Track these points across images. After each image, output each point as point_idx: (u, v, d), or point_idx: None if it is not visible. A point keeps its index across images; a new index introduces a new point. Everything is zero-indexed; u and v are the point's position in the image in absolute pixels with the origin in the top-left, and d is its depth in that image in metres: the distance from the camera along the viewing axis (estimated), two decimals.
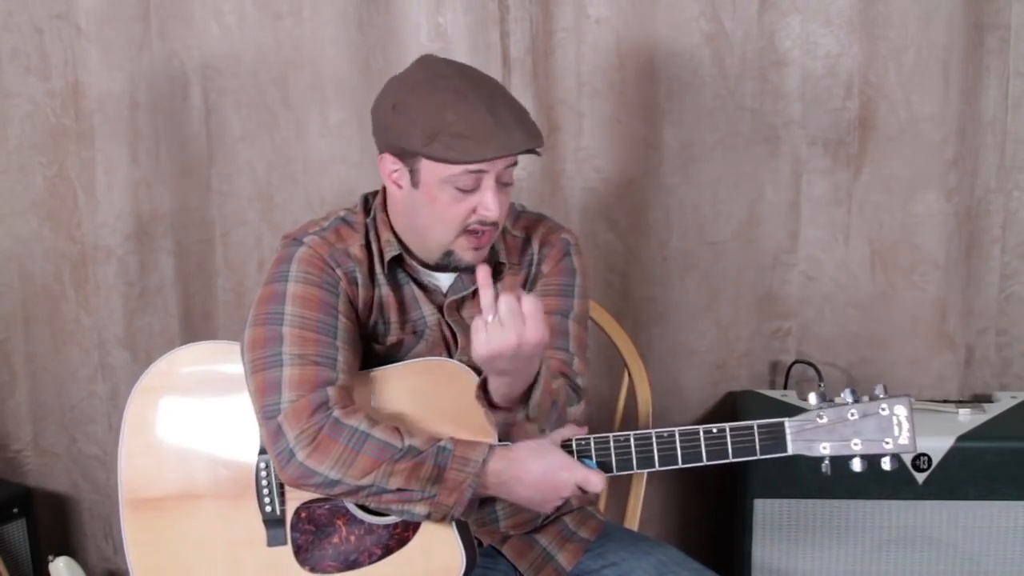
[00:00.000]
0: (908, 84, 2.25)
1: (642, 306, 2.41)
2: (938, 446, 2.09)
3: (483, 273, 1.45)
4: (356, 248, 1.64)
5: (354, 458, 1.49)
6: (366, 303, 1.63)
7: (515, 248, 1.72)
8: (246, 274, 2.44)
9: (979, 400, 2.32)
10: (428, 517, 1.55)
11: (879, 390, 1.56)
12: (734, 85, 2.30)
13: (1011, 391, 2.38)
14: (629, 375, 2.01)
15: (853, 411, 1.54)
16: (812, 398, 1.56)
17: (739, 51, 2.28)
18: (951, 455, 2.09)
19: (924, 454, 2.09)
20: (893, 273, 2.35)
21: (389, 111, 1.56)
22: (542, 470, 1.51)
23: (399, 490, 1.50)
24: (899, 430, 1.54)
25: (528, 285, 1.72)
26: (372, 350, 1.66)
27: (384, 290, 1.64)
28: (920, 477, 2.10)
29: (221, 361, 1.68)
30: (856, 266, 2.37)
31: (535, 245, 1.73)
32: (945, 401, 2.29)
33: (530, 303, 1.41)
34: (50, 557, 2.17)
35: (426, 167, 1.54)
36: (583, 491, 1.52)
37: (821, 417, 1.54)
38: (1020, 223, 2.37)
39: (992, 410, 2.23)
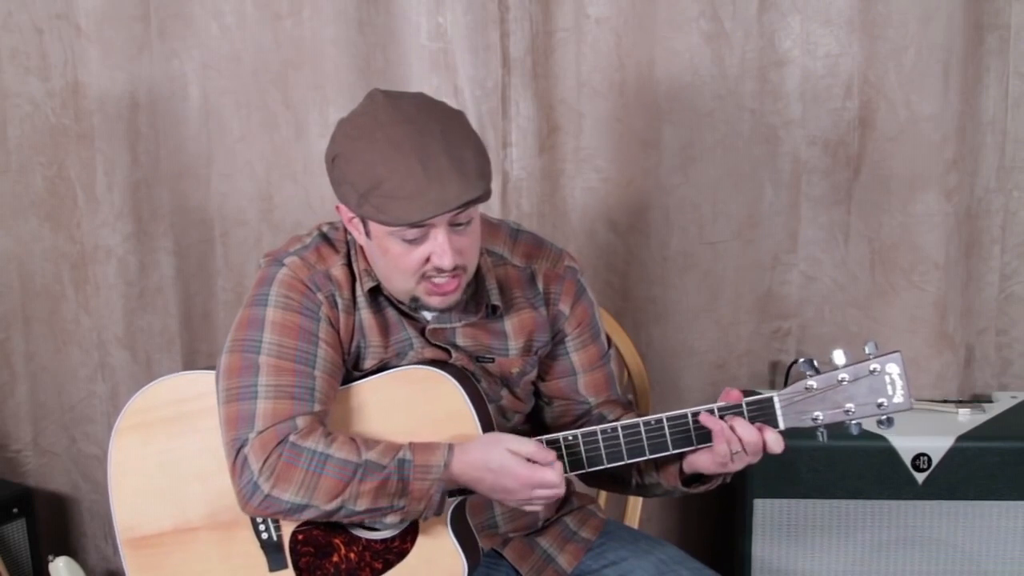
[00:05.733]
0: (908, 84, 2.25)
1: (642, 306, 2.41)
2: (938, 446, 2.09)
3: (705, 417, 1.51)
4: (337, 269, 1.59)
5: (317, 481, 1.48)
6: (348, 326, 1.59)
7: (520, 281, 1.66)
8: (246, 274, 2.43)
9: (979, 400, 2.32)
10: (401, 522, 1.54)
11: (869, 348, 1.50)
12: (734, 85, 2.30)
13: (1011, 391, 2.38)
14: (629, 375, 2.01)
15: (844, 375, 1.49)
16: (801, 365, 1.51)
17: (739, 51, 2.28)
18: (951, 455, 2.09)
19: (924, 454, 2.09)
20: (893, 273, 2.35)
21: (331, 164, 1.51)
22: (492, 477, 1.50)
23: (368, 510, 1.50)
24: (893, 388, 1.49)
25: (553, 324, 1.68)
26: (354, 374, 1.62)
27: (365, 313, 1.60)
28: (920, 477, 2.10)
29: (195, 392, 1.64)
30: (856, 266, 2.37)
31: (541, 282, 1.66)
32: (945, 401, 2.29)
33: (776, 442, 1.50)
34: (50, 557, 2.17)
35: (371, 221, 1.50)
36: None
37: (811, 386, 1.50)
38: (1020, 223, 2.37)
39: (992, 410, 2.23)
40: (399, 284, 1.55)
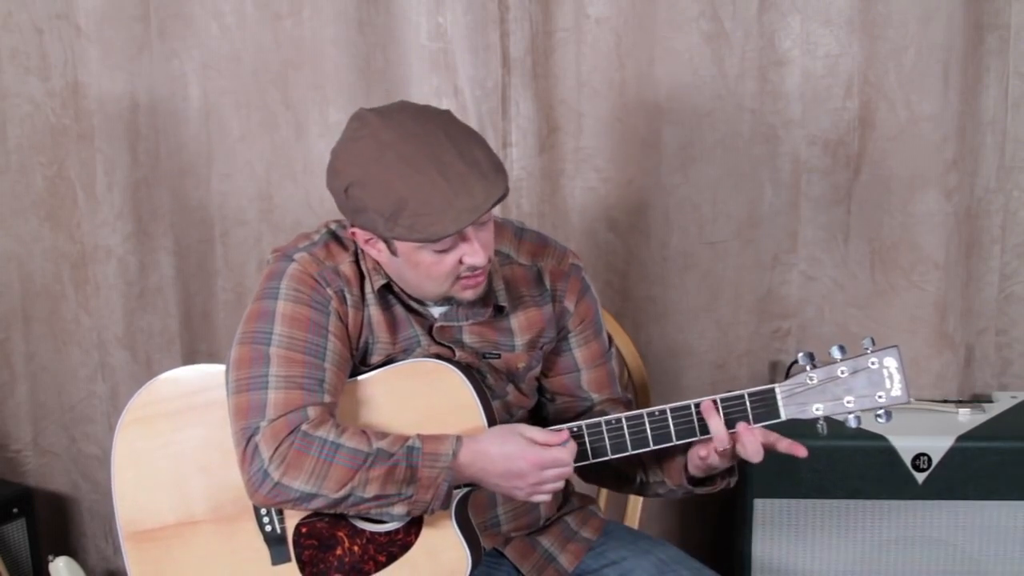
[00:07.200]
0: (908, 84, 2.25)
1: (642, 306, 2.41)
2: (938, 446, 2.09)
3: (708, 407, 1.52)
4: (346, 266, 1.60)
5: (327, 469, 1.48)
6: (356, 322, 1.60)
7: (526, 280, 1.67)
8: (246, 274, 2.44)
9: (979, 400, 2.32)
10: (408, 514, 1.54)
11: (867, 343, 1.53)
12: (734, 85, 2.30)
13: (1011, 391, 2.38)
14: (629, 375, 2.01)
15: (843, 368, 1.53)
16: (800, 358, 1.54)
17: (739, 51, 2.28)
18: (951, 455, 2.09)
19: (924, 454, 2.09)
20: (893, 273, 2.35)
21: (343, 195, 1.50)
22: (504, 461, 1.51)
23: (376, 497, 1.50)
24: (891, 382, 1.52)
25: (559, 320, 1.69)
26: (361, 369, 1.63)
27: (374, 309, 1.61)
28: (920, 477, 2.10)
29: (200, 386, 1.65)
30: (856, 266, 2.38)
31: (548, 280, 1.68)
32: (945, 401, 2.29)
33: (764, 436, 1.51)
34: (50, 557, 2.17)
35: (404, 241, 1.51)
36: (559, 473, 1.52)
37: (811, 379, 1.53)
38: (1020, 223, 2.37)
39: (992, 410, 2.23)
40: (432, 290, 1.57)
